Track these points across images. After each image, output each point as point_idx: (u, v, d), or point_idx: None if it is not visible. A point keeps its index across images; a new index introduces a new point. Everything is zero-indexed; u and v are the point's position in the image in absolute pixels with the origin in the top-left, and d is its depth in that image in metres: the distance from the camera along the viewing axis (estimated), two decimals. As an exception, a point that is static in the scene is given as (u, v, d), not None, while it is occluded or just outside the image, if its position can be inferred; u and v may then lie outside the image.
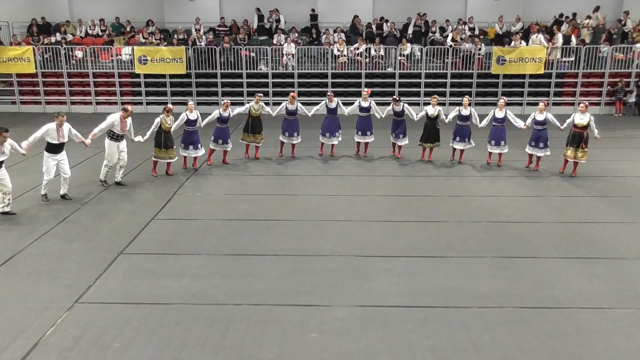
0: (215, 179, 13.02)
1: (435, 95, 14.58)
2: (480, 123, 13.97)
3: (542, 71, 22.22)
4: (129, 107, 12.14)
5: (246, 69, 22.94)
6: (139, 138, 12.44)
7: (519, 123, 13.59)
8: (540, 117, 13.31)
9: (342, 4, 25.36)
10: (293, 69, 22.87)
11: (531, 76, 22.58)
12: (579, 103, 14.17)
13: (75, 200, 11.26)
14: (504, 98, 14.32)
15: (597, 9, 23.39)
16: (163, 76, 23.04)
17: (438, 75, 22.86)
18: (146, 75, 22.99)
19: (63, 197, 11.36)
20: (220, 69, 22.98)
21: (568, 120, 13.09)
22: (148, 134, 12.69)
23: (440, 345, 6.27)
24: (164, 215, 10.55)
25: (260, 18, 24.56)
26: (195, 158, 13.68)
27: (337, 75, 22.87)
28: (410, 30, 23.93)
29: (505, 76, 22.64)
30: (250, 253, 8.75)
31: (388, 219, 10.33)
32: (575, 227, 9.98)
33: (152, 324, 6.68)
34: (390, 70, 22.88)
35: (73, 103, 23.27)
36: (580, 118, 12.80)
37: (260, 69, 23.08)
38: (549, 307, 7.11)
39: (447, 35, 23.34)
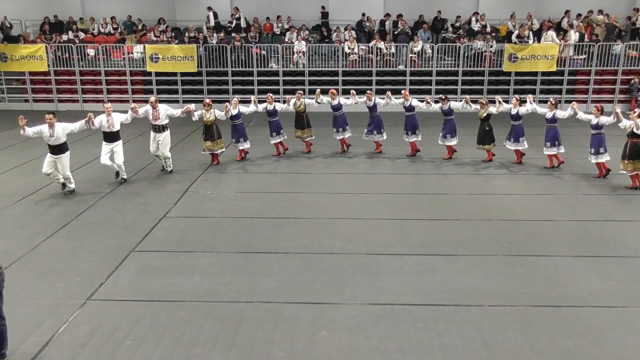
0: (226, 177, 13.06)
1: (484, 98, 14.47)
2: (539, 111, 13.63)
3: (554, 68, 22.08)
4: (153, 97, 13.10)
5: (257, 67, 22.97)
6: (185, 109, 13.26)
7: (585, 116, 12.95)
8: (596, 121, 12.53)
9: (353, 1, 25.28)
10: (304, 67, 22.87)
11: (543, 74, 22.44)
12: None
13: (87, 198, 11.33)
14: (552, 98, 14.02)
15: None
16: (174, 74, 23.11)
17: (449, 72, 22.77)
18: (158, 73, 23.06)
19: (122, 179, 12.39)
20: (231, 67, 23.03)
21: (624, 125, 12.08)
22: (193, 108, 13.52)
23: (451, 344, 6.25)
24: (175, 212, 10.59)
25: (215, 15, 24.48)
26: (241, 151, 14.43)
27: (347, 72, 22.83)
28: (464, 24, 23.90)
29: (517, 74, 22.50)
30: (261, 251, 8.77)
31: (399, 217, 10.31)
32: (588, 225, 9.90)
33: (164, 321, 6.72)
34: (401, 67, 22.83)
35: (85, 101, 23.40)
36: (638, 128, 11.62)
37: (271, 67, 23.09)
38: (560, 306, 7.07)
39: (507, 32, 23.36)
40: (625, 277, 7.87)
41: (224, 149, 14.17)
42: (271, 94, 14.93)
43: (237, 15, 24.39)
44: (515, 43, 22.23)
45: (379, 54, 22.62)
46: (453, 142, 14.45)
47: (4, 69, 23.27)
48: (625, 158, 11.90)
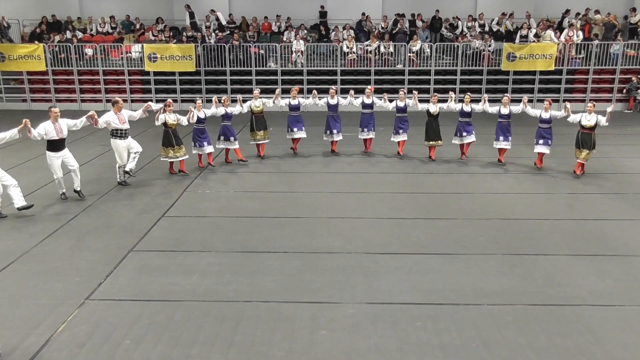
0: (224, 176, 13.05)
1: (436, 94, 14.63)
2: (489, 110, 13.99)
3: (552, 68, 22.10)
4: (119, 99, 12.10)
5: (255, 66, 22.96)
6: (146, 108, 12.38)
7: (534, 112, 13.51)
8: (545, 115, 13.18)
9: (351, 0, 25.28)
10: (302, 66, 22.87)
11: (541, 73, 22.46)
12: (589, 100, 13.95)
13: (85, 198, 11.31)
14: (508, 95, 14.24)
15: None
16: (173, 74, 23.11)
17: (448, 72, 22.78)
18: (156, 73, 23.06)
19: (77, 192, 11.26)
20: (230, 67, 23.01)
21: (573, 120, 12.92)
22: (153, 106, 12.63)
23: (450, 343, 6.25)
24: (174, 212, 10.58)
25: (192, 15, 24.41)
26: (209, 155, 13.68)
27: (346, 72, 22.84)
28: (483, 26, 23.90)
29: (515, 73, 22.52)
30: (260, 250, 8.77)
31: (397, 216, 10.31)
32: (586, 224, 9.91)
33: (163, 321, 6.71)
34: (399, 67, 22.83)
35: (83, 101, 23.39)
36: (588, 119, 12.61)
37: (270, 66, 23.09)
38: (559, 305, 7.07)
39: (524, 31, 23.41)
40: (624, 276, 7.88)
41: (186, 156, 13.05)
42: (226, 96, 14.17)
43: (215, 16, 24.40)
44: (534, 41, 22.24)
45: (377, 53, 22.63)
46: (404, 138, 14.67)
47: (1, 69, 23.24)
48: (578, 146, 12.87)
